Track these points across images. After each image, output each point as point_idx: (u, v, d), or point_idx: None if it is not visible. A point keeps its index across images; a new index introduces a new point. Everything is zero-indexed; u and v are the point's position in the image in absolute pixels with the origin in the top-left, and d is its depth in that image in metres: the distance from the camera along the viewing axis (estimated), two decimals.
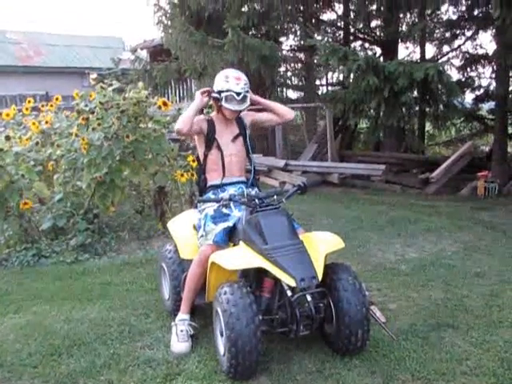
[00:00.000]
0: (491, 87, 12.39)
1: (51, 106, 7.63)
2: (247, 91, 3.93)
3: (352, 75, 9.41)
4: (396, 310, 4.37)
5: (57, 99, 7.55)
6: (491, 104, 12.27)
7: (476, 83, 12.83)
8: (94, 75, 7.23)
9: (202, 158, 4.11)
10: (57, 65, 23.92)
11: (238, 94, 3.86)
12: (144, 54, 18.73)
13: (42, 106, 7.80)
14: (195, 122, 3.96)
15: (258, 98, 4.10)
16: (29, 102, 7.55)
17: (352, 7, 13.50)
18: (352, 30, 13.98)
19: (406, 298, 4.62)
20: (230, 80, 3.89)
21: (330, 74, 15.04)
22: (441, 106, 10.07)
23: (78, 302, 4.82)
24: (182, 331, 3.77)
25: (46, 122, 7.24)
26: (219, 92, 3.90)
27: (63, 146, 6.60)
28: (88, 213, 6.55)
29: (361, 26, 14.04)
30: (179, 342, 3.72)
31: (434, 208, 8.52)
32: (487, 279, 5.07)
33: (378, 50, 13.96)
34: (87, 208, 6.54)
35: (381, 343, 3.73)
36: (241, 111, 4.04)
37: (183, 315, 3.87)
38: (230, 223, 3.79)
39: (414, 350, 3.64)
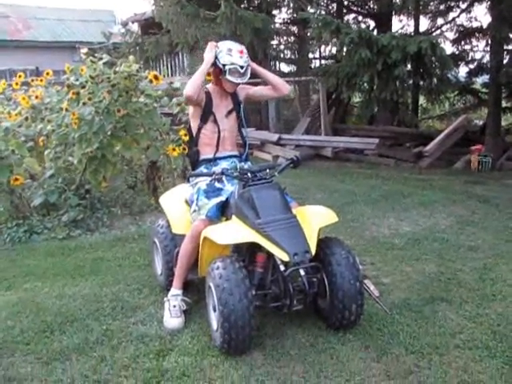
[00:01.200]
0: (484, 60, 12.32)
1: (41, 80, 7.52)
2: (249, 64, 3.90)
3: (345, 48, 9.33)
4: (390, 284, 4.37)
5: (47, 74, 7.44)
6: (485, 77, 12.21)
7: (470, 56, 12.75)
8: (84, 49, 7.10)
9: (195, 130, 4.06)
10: (47, 39, 23.61)
11: (242, 67, 3.83)
12: (135, 27, 18.48)
13: (32, 80, 7.68)
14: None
15: (255, 66, 4.02)
16: (19, 76, 7.44)
17: None
18: (345, 3, 13.82)
19: (399, 272, 4.62)
20: (234, 53, 3.84)
21: (322, 47, 14.91)
22: (434, 80, 10.01)
23: (70, 278, 4.80)
24: (174, 307, 3.76)
25: (36, 97, 7.13)
26: (223, 67, 3.83)
27: (54, 121, 6.51)
28: (80, 188, 6.49)
29: None
30: (172, 318, 3.71)
31: (427, 182, 8.51)
32: (480, 253, 5.07)
33: (372, 23, 13.85)
34: (79, 183, 6.48)
35: (375, 317, 3.73)
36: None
37: (176, 290, 3.86)
38: (222, 198, 3.77)
39: (407, 324, 3.65)
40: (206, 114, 3.96)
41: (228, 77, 3.84)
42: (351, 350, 3.33)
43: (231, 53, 3.84)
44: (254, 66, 4.00)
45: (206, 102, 3.95)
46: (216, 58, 3.86)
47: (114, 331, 3.70)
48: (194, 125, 4.06)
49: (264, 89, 4.18)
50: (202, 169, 3.99)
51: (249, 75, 3.92)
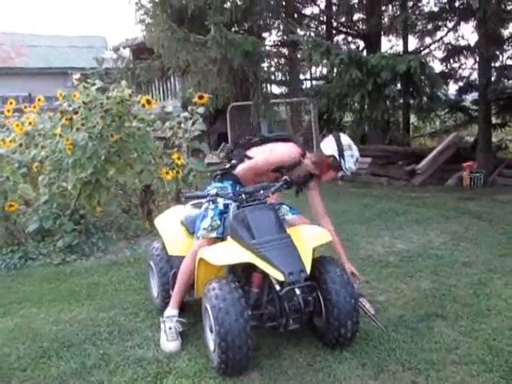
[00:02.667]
0: (473, 77, 12.46)
1: (34, 107, 7.57)
2: None
3: (335, 69, 9.42)
4: (385, 301, 4.39)
5: (39, 100, 7.49)
6: (474, 95, 12.33)
7: (459, 74, 12.89)
8: (77, 75, 7.15)
9: None
10: (39, 65, 23.75)
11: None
12: (127, 52, 18.64)
13: (25, 107, 7.73)
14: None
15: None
16: (11, 103, 7.48)
17: (334, 0, 13.52)
18: (335, 24, 14.02)
19: (394, 290, 4.64)
20: (357, 165, 4.00)
21: (313, 68, 15.03)
22: (424, 98, 10.10)
23: (66, 303, 4.79)
24: (170, 329, 3.76)
25: (30, 124, 7.18)
26: (345, 168, 3.95)
27: (47, 147, 6.54)
28: (74, 213, 6.50)
29: (343, 19, 14.08)
30: (169, 342, 3.71)
31: (420, 199, 8.56)
32: (475, 268, 5.10)
33: (361, 44, 14.01)
34: (73, 209, 6.49)
35: (371, 335, 3.74)
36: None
37: (172, 310, 3.86)
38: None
39: (403, 340, 3.66)
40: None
41: (340, 179, 4.05)
42: (348, 368, 3.33)
43: (356, 163, 3.97)
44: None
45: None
46: (342, 156, 3.91)
47: (111, 355, 3.70)
48: None
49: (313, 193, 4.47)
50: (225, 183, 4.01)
51: None
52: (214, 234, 3.75)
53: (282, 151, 3.99)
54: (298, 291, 3.36)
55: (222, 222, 3.79)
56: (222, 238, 3.76)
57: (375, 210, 7.80)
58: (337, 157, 3.90)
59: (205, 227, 3.79)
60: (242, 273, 3.62)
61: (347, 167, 3.91)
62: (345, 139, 3.97)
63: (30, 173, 6.86)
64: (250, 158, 4.00)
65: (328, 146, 3.98)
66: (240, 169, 3.97)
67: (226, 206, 3.80)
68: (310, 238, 3.58)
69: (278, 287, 3.36)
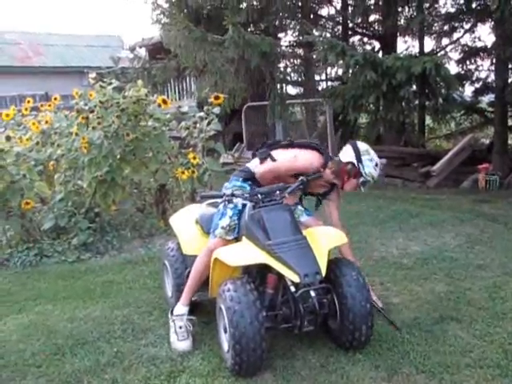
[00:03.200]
0: (489, 79, 12.38)
1: (50, 105, 7.63)
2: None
3: (350, 70, 9.40)
4: (399, 303, 4.37)
5: (55, 99, 7.54)
6: (491, 96, 12.25)
7: (475, 76, 12.81)
8: (93, 74, 7.21)
9: None
10: (56, 64, 23.91)
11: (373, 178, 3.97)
12: (143, 52, 18.68)
13: (42, 105, 7.79)
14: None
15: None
16: (28, 102, 7.54)
17: (350, 1, 13.49)
18: (350, 25, 13.97)
19: (409, 292, 4.62)
20: (378, 170, 3.95)
21: (329, 69, 15.02)
22: (440, 100, 10.03)
23: (80, 301, 4.82)
24: (180, 328, 3.76)
25: (46, 122, 7.23)
26: (365, 173, 3.90)
27: (63, 145, 6.60)
28: (89, 212, 6.55)
29: (359, 20, 14.03)
30: (179, 341, 3.73)
31: (435, 201, 8.52)
32: (490, 271, 5.07)
33: (377, 45, 13.95)
34: (88, 207, 6.53)
35: (384, 337, 3.73)
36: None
37: (182, 308, 3.87)
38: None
39: (417, 343, 3.64)
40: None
41: (362, 186, 3.97)
42: (361, 370, 3.33)
43: (377, 168, 3.93)
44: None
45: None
46: (361, 162, 3.88)
47: (125, 353, 3.72)
48: None
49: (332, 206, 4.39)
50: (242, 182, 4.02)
51: None
52: (231, 237, 3.75)
53: (305, 159, 3.97)
54: (312, 293, 3.35)
55: (238, 222, 3.80)
56: (236, 238, 3.77)
57: (389, 212, 7.77)
58: (355, 162, 3.87)
59: (223, 226, 3.78)
60: (256, 273, 3.62)
61: (367, 172, 3.87)
62: (362, 145, 3.96)
63: (46, 171, 6.92)
64: (273, 158, 3.99)
65: (346, 153, 3.96)
66: (261, 169, 3.98)
67: (244, 205, 3.80)
68: (325, 239, 3.57)
69: (292, 289, 3.36)
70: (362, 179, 3.91)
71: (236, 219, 3.79)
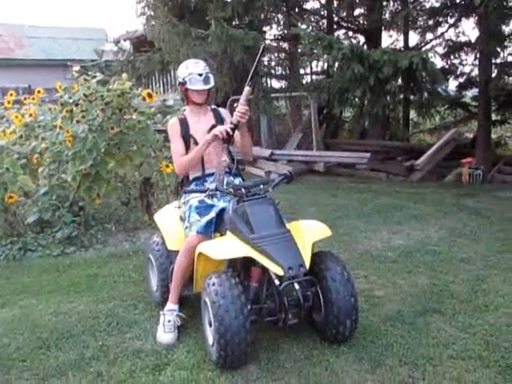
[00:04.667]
0: (473, 74, 12.47)
1: (33, 98, 7.57)
2: (208, 72, 4.00)
3: (337, 64, 9.43)
4: (383, 296, 4.41)
5: (38, 92, 7.48)
6: (474, 91, 12.34)
7: (459, 70, 12.89)
8: (76, 67, 7.17)
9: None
10: (39, 57, 23.70)
11: (200, 74, 3.94)
12: (127, 45, 18.59)
13: (25, 98, 7.73)
14: (175, 134, 4.04)
15: (244, 124, 3.94)
16: (11, 94, 7.48)
17: None
18: (335, 19, 13.97)
19: (392, 285, 4.66)
20: (190, 65, 4.00)
21: (314, 63, 15.05)
22: (425, 94, 10.10)
23: (65, 294, 4.81)
24: (169, 321, 3.78)
25: (30, 115, 7.18)
26: (183, 79, 3.96)
27: (47, 138, 6.55)
28: (74, 205, 6.52)
29: (344, 14, 14.06)
30: (165, 333, 3.74)
31: (419, 195, 8.58)
32: (473, 264, 5.12)
33: (362, 39, 13.98)
34: (73, 201, 6.51)
35: (368, 330, 3.76)
36: (209, 91, 4.07)
37: (172, 305, 3.88)
38: (212, 214, 3.79)
39: (401, 335, 3.68)
40: (187, 140, 4.01)
41: (190, 86, 3.95)
42: (346, 362, 3.35)
43: (187, 66, 4.00)
44: (244, 126, 3.94)
45: (182, 130, 4.02)
46: (178, 77, 4.05)
47: (110, 347, 3.72)
48: None
49: (238, 140, 4.07)
50: (193, 186, 4.03)
51: (212, 83, 4.02)
52: (194, 231, 3.76)
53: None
54: (297, 286, 3.37)
55: (212, 216, 3.79)
56: (220, 232, 3.78)
57: (374, 206, 7.82)
58: (181, 79, 4.00)
59: (186, 226, 3.88)
60: (241, 267, 3.63)
61: (186, 74, 3.95)
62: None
63: (30, 164, 6.86)
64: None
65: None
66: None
67: (201, 201, 3.85)
68: (309, 232, 3.58)
69: (277, 282, 3.37)
70: (187, 81, 3.94)
71: (195, 214, 3.83)
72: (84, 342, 3.80)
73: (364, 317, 3.90)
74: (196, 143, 3.98)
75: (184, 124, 4.04)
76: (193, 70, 3.94)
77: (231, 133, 3.82)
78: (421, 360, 3.35)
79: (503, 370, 3.20)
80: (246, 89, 3.82)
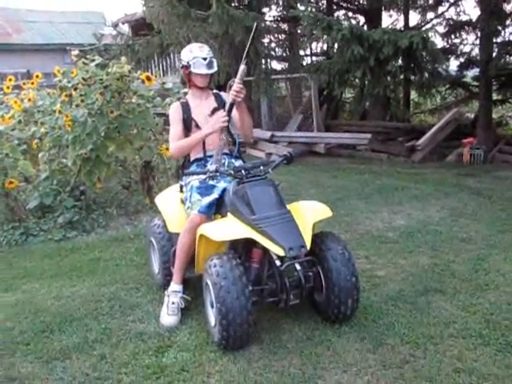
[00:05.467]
0: (474, 53, 12.40)
1: (32, 83, 7.53)
2: (212, 57, 3.98)
3: (336, 45, 9.37)
4: (384, 276, 4.43)
5: (37, 76, 7.45)
6: (475, 71, 12.28)
7: (460, 50, 12.82)
8: (75, 51, 7.11)
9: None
10: (37, 42, 23.52)
11: (204, 58, 3.92)
12: (126, 28, 18.48)
13: (24, 83, 7.69)
14: (176, 118, 4.03)
15: (243, 106, 3.94)
16: (9, 80, 7.45)
17: None
18: (335, 0, 13.86)
19: (393, 265, 4.68)
20: (194, 49, 3.97)
21: (313, 44, 14.94)
22: (426, 74, 10.06)
23: (67, 278, 4.83)
24: (173, 303, 3.79)
25: (29, 100, 7.15)
26: (187, 63, 3.93)
27: (47, 123, 6.53)
28: (74, 190, 6.52)
29: None
30: (168, 315, 3.76)
31: (420, 175, 8.58)
32: (473, 244, 5.13)
33: (362, 19, 13.89)
34: (73, 185, 6.51)
35: (369, 309, 3.78)
36: (211, 76, 4.06)
37: (176, 286, 3.89)
38: (215, 195, 3.80)
39: (402, 315, 3.70)
40: (188, 123, 4.01)
41: (194, 70, 3.92)
42: (347, 342, 3.37)
43: (191, 50, 3.96)
44: (243, 105, 3.95)
45: (184, 114, 4.02)
46: (181, 60, 4.01)
47: (112, 330, 3.74)
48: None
49: (238, 120, 4.06)
50: (194, 168, 4.03)
51: (216, 68, 4.00)
52: (195, 210, 3.78)
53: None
54: (298, 266, 3.39)
55: (214, 197, 3.81)
56: (220, 214, 3.79)
57: (375, 186, 7.82)
58: (184, 63, 3.97)
59: (188, 207, 3.89)
60: (242, 248, 3.64)
61: (191, 57, 3.92)
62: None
63: (30, 149, 6.85)
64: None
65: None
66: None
67: (203, 182, 3.86)
68: (310, 213, 3.59)
69: (278, 262, 3.39)
70: (191, 65, 3.92)
71: (196, 194, 3.84)
72: (87, 326, 3.83)
73: (365, 297, 3.92)
74: (197, 126, 3.98)
75: (186, 108, 4.04)
76: (197, 54, 3.92)
77: (226, 116, 3.82)
78: (422, 339, 3.37)
79: (503, 348, 3.22)
80: (242, 67, 3.80)
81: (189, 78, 4.04)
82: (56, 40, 23.95)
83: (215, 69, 4.00)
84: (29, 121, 7.04)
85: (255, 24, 4.05)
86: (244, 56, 3.81)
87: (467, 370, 3.02)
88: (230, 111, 3.85)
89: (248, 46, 3.81)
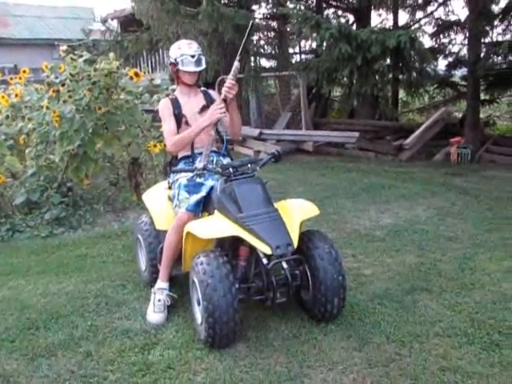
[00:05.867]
0: (462, 53, 12.46)
1: (20, 78, 7.48)
2: (201, 54, 3.96)
3: (325, 43, 9.37)
4: (371, 275, 4.44)
5: (24, 72, 7.40)
6: (464, 70, 12.33)
7: (448, 50, 12.87)
8: (63, 47, 7.07)
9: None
10: (25, 36, 23.40)
11: (193, 56, 3.90)
12: (115, 24, 18.37)
13: (11, 78, 7.64)
14: (167, 113, 4.00)
15: (233, 103, 3.93)
16: None
17: None
18: None
19: (380, 264, 4.69)
20: (182, 46, 3.94)
21: (302, 42, 14.95)
22: (414, 73, 10.08)
23: (54, 275, 4.80)
24: (159, 301, 3.79)
25: (16, 95, 7.11)
26: (175, 60, 3.92)
27: (34, 119, 6.49)
28: (62, 186, 6.49)
29: None
30: (155, 313, 3.76)
31: (407, 174, 8.61)
32: (460, 243, 5.16)
33: (351, 18, 13.91)
34: (61, 181, 6.47)
35: (356, 308, 3.80)
36: (200, 73, 4.04)
37: (162, 283, 3.89)
38: (202, 193, 3.80)
39: (388, 313, 3.71)
40: (179, 119, 4.00)
41: (182, 68, 3.91)
42: (333, 340, 3.38)
43: (180, 47, 3.94)
44: (233, 103, 3.94)
45: (174, 109, 4.00)
46: (169, 56, 3.98)
47: (98, 327, 3.73)
48: None
49: (227, 118, 4.03)
50: (182, 165, 4.02)
51: (204, 65, 3.99)
52: (183, 208, 3.77)
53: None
54: (285, 265, 3.40)
55: (202, 195, 3.81)
56: (208, 211, 3.78)
57: (362, 185, 7.84)
58: (172, 60, 3.95)
59: (176, 205, 3.88)
60: (229, 246, 3.64)
61: (178, 55, 3.90)
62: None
63: (17, 145, 6.81)
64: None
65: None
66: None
67: (190, 179, 3.84)
68: (297, 211, 3.59)
69: (265, 261, 3.39)
70: (179, 62, 3.90)
71: (184, 192, 3.83)
72: (73, 323, 3.81)
73: (352, 295, 3.94)
74: (187, 123, 3.97)
75: (176, 104, 4.02)
76: (185, 51, 3.90)
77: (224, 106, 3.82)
78: (408, 337, 3.39)
79: (488, 347, 3.25)
80: (236, 64, 3.81)
81: (177, 75, 4.03)
82: (44, 35, 23.83)
83: (203, 66, 3.99)
84: (16, 116, 7.00)
85: (251, 21, 4.06)
86: (238, 53, 3.82)
87: (452, 368, 3.04)
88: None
89: (243, 43, 3.82)
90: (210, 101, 4.07)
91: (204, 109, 4.02)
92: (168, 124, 3.98)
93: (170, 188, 4.12)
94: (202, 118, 3.96)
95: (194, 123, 3.93)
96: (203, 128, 3.85)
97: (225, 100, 3.81)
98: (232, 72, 3.80)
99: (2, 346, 3.55)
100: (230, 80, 3.77)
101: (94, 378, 3.13)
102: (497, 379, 2.93)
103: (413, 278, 4.33)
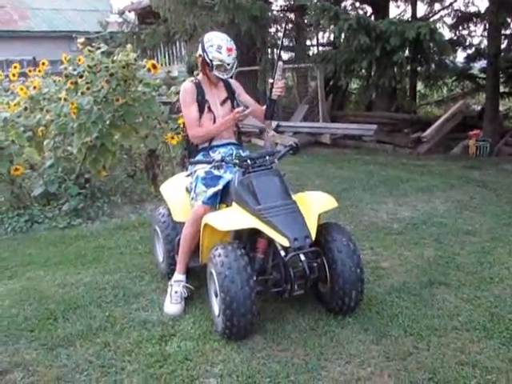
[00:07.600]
0: (482, 45, 12.30)
1: (39, 71, 7.52)
2: (235, 60, 3.94)
3: (343, 35, 9.31)
4: (389, 268, 4.42)
5: (43, 64, 7.43)
6: (483, 63, 12.18)
7: (468, 42, 12.72)
8: (81, 39, 7.08)
9: None
10: (43, 29, 23.52)
11: (229, 64, 3.88)
12: (132, 16, 18.41)
13: (30, 71, 7.68)
14: (190, 98, 3.98)
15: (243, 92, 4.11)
16: (15, 67, 7.44)
17: None
18: None
19: (398, 257, 4.67)
20: (223, 51, 3.85)
21: (320, 34, 14.87)
22: (433, 65, 10.01)
23: (72, 266, 4.84)
24: (176, 292, 3.80)
25: (34, 88, 7.14)
26: (210, 60, 3.86)
27: (52, 111, 6.52)
28: (79, 178, 6.52)
29: None
30: (172, 304, 3.77)
31: (425, 167, 8.55)
32: (478, 237, 5.12)
33: (369, 9, 13.79)
34: (79, 173, 6.50)
35: (374, 301, 3.78)
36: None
37: (179, 275, 3.90)
38: (219, 186, 3.80)
39: (406, 306, 3.69)
40: (202, 104, 3.99)
41: (215, 72, 3.89)
42: (351, 333, 3.37)
43: (221, 50, 3.84)
44: (246, 96, 4.09)
45: (198, 94, 3.99)
46: (205, 51, 3.87)
47: (116, 317, 3.75)
48: None
49: (253, 109, 4.10)
50: (200, 157, 4.02)
51: (233, 70, 3.98)
52: (200, 201, 3.78)
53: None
54: (302, 257, 3.39)
55: (219, 188, 3.81)
56: (225, 203, 3.78)
57: (380, 177, 7.79)
58: (201, 53, 3.91)
59: (192, 197, 3.89)
60: (247, 238, 3.64)
61: (211, 57, 3.85)
62: (206, 36, 3.97)
63: (35, 137, 6.84)
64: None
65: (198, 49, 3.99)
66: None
67: (208, 172, 3.85)
68: (315, 203, 3.59)
69: (283, 253, 3.39)
70: (214, 66, 3.86)
71: (202, 185, 3.83)
72: (91, 313, 3.84)
73: (369, 288, 3.92)
74: (210, 109, 3.99)
75: (200, 89, 4.01)
76: (224, 58, 3.84)
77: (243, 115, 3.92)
78: (425, 331, 3.37)
79: (507, 341, 3.22)
80: (280, 63, 3.84)
81: (204, 70, 4.00)
82: (62, 27, 23.94)
83: (232, 72, 3.99)
84: (34, 108, 7.03)
85: (286, 18, 4.11)
86: (278, 51, 3.97)
87: (471, 362, 3.01)
88: (272, 108, 3.95)
89: (281, 41, 3.87)
90: (230, 91, 4.11)
91: (225, 101, 4.03)
92: (189, 110, 3.97)
93: (189, 175, 4.11)
94: (223, 109, 3.98)
95: (216, 111, 3.98)
96: (228, 126, 3.93)
97: (275, 100, 3.93)
98: (278, 71, 3.84)
99: (21, 335, 3.58)
100: (282, 81, 3.86)
101: (112, 368, 3.15)
102: None
103: (431, 272, 4.30)
